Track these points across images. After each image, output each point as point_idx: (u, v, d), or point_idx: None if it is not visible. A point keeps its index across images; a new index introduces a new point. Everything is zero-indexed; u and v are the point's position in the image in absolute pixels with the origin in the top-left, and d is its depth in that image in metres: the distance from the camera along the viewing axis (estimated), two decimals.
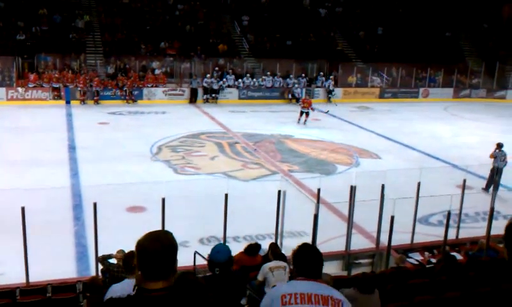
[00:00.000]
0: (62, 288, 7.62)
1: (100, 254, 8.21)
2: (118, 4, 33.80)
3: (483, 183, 15.35)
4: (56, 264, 9.60)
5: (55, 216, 12.11)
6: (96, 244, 8.87)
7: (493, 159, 15.32)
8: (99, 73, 29.28)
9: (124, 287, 5.08)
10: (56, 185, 14.07)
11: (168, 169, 16.85)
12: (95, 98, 27.85)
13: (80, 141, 19.71)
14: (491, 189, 14.41)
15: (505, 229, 2.09)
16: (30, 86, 27.30)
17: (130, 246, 8.35)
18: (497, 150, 15.41)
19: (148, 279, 2.48)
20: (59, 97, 27.64)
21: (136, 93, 28.90)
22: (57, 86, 27.71)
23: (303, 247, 3.56)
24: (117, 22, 32.46)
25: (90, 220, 9.47)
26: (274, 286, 4.01)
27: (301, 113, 24.58)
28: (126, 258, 5.55)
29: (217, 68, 30.98)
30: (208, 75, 29.91)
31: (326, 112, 24.76)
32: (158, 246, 2.49)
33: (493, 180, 14.77)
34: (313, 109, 24.53)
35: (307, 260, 3.44)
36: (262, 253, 8.47)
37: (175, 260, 2.56)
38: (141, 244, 2.52)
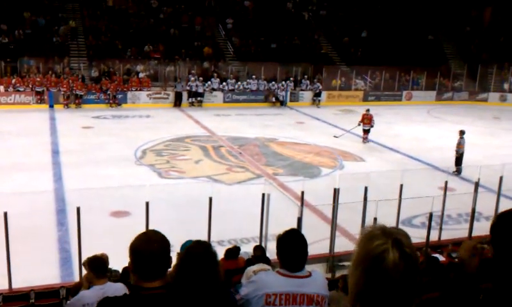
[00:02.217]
0: (45, 293, 7.58)
1: (84, 260, 8.17)
2: (102, 8, 33.66)
3: (464, 185, 15.52)
4: (39, 270, 9.55)
5: (38, 221, 12.03)
6: (80, 249, 8.84)
7: (457, 145, 17.99)
8: (82, 76, 29.03)
9: (94, 293, 5.11)
10: (39, 189, 13.99)
11: (152, 173, 16.82)
12: (76, 101, 27.74)
13: (64, 145, 19.58)
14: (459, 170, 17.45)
15: (490, 226, 2.13)
16: (11, 89, 27.12)
17: (114, 250, 8.35)
18: (459, 138, 18.06)
19: (145, 280, 2.49)
20: (42, 101, 27.46)
21: (120, 96, 28.79)
22: (41, 89, 27.54)
23: (290, 234, 3.44)
24: (101, 25, 32.33)
25: (74, 225, 9.43)
26: (259, 273, 3.91)
27: (364, 131, 22.07)
28: (93, 263, 5.53)
29: (193, 71, 30.89)
30: (192, 78, 29.87)
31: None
32: (154, 247, 2.50)
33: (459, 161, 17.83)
34: (372, 126, 22.11)
35: (292, 249, 3.35)
36: (246, 256, 8.50)
37: (169, 258, 2.58)
38: (136, 246, 2.52)
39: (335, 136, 22.31)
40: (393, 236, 1.76)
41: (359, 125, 22.09)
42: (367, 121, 21.97)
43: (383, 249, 1.73)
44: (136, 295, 2.51)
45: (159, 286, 2.49)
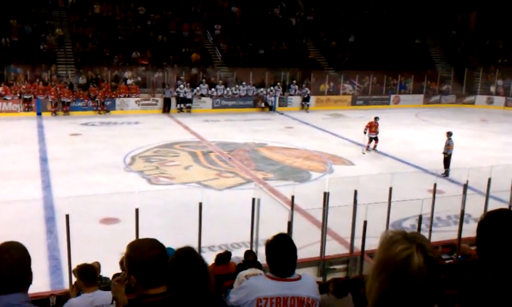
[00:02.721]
0: (35, 301, 7.48)
1: (73, 267, 8.11)
2: (89, 15, 33.55)
3: (453, 187, 15.61)
4: None
5: (27, 229, 11.90)
6: (70, 257, 8.77)
7: (446, 147, 18.27)
8: (69, 82, 28.86)
9: (82, 301, 5.10)
10: (27, 197, 13.90)
11: (141, 180, 16.75)
12: (64, 108, 27.61)
13: (52, 153, 19.47)
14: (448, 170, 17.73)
15: (477, 226, 2.16)
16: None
17: (104, 257, 8.32)
18: (447, 139, 18.33)
19: (150, 287, 2.49)
20: (30, 109, 27.28)
21: (108, 103, 28.69)
22: (29, 97, 27.37)
23: (278, 240, 3.42)
24: (88, 32, 32.22)
25: (63, 233, 9.36)
26: (249, 278, 3.90)
27: (370, 139, 21.41)
28: (82, 271, 5.51)
29: (182, 78, 30.84)
30: (181, 85, 29.85)
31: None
32: (155, 254, 2.51)
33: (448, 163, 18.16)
34: (377, 133, 21.41)
35: (281, 255, 3.33)
36: (237, 261, 8.48)
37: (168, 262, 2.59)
38: (137, 255, 2.51)
39: (363, 153, 21.03)
40: (417, 241, 1.78)
41: (365, 132, 21.34)
42: (374, 128, 21.29)
43: (408, 254, 1.74)
44: (140, 302, 2.50)
45: (163, 292, 2.49)
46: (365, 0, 41.45)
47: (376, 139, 21.40)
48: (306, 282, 3.41)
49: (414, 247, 1.75)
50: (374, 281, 1.80)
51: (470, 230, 11.54)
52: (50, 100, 27.43)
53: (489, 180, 12.18)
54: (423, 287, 1.74)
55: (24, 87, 27.48)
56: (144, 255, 2.49)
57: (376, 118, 21.51)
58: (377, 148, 21.34)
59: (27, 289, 2.52)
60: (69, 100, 27.79)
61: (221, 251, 9.21)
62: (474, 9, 41.66)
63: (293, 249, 3.39)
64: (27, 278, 2.53)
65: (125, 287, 3.09)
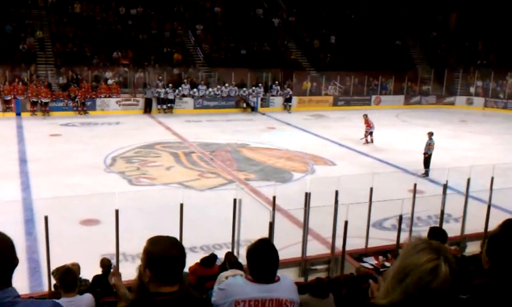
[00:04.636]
0: None
1: (53, 269, 8.03)
2: (69, 14, 33.23)
3: (433, 187, 15.74)
4: None
5: (5, 231, 11.75)
6: (49, 259, 8.68)
7: (427, 147, 18.55)
8: (47, 82, 28.54)
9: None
10: (6, 199, 13.71)
11: (122, 181, 16.63)
12: (42, 109, 27.31)
13: (32, 154, 19.24)
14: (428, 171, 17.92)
15: (489, 238, 2.19)
16: None
17: (84, 259, 8.24)
18: (428, 139, 18.62)
19: (165, 284, 2.48)
20: (9, 109, 26.95)
21: (88, 103, 28.42)
22: (9, 98, 27.01)
23: (261, 245, 3.38)
24: (68, 32, 31.90)
25: (43, 235, 9.26)
26: (228, 279, 3.86)
27: (366, 134, 23.52)
28: (62, 276, 5.40)
29: (160, 78, 30.66)
30: (160, 84, 29.69)
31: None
32: (176, 252, 2.51)
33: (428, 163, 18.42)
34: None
35: (263, 262, 3.29)
36: (219, 263, 8.47)
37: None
38: (159, 251, 2.50)
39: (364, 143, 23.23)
40: (443, 253, 1.85)
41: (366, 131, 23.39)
42: (367, 124, 23.43)
43: (436, 264, 1.82)
44: (153, 300, 2.49)
45: (176, 290, 2.50)
46: (346, 2, 41.60)
47: (371, 133, 23.38)
48: (285, 283, 3.39)
49: (442, 259, 1.83)
50: (396, 284, 1.86)
51: (450, 230, 11.65)
52: (30, 98, 27.05)
53: (469, 180, 12.32)
54: (445, 296, 1.82)
55: (4, 87, 27.11)
56: (166, 252, 2.49)
57: (364, 115, 23.74)
58: (374, 140, 23.29)
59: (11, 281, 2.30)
60: (47, 100, 27.46)
61: (203, 252, 9.21)
62: (454, 11, 42.11)
63: (275, 255, 3.35)
64: (13, 268, 2.29)
65: (120, 279, 3.18)
